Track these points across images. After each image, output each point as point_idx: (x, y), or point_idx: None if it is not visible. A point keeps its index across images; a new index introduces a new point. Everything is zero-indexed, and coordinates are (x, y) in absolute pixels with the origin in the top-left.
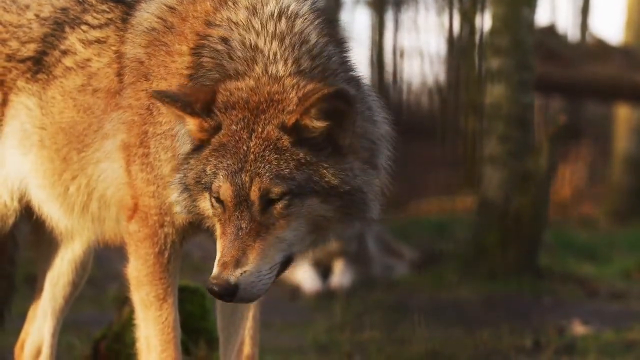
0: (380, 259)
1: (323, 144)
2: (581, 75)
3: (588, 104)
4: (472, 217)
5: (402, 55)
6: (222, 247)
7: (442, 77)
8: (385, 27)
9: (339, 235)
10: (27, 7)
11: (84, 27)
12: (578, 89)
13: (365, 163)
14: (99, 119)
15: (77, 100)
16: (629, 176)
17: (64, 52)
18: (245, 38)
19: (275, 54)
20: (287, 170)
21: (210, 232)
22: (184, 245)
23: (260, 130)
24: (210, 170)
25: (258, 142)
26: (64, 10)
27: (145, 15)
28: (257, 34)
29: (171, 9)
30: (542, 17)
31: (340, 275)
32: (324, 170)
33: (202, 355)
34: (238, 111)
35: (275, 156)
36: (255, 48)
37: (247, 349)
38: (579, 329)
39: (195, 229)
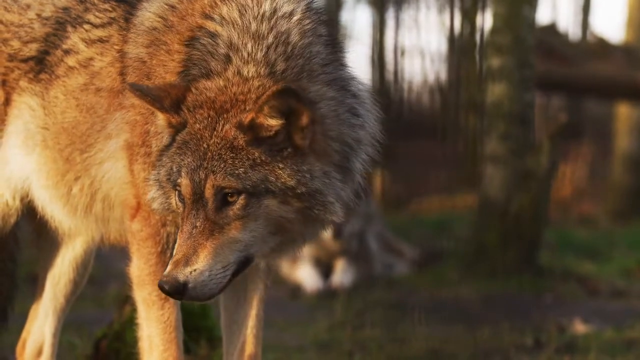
0: (381, 258)
1: (282, 144)
2: (582, 74)
3: (589, 102)
4: (473, 215)
5: (403, 53)
6: (177, 245)
7: (443, 75)
8: (386, 26)
9: (308, 238)
10: (29, 6)
11: (86, 26)
12: (579, 88)
13: (335, 166)
14: (102, 119)
15: (79, 99)
16: (629, 175)
17: (67, 52)
18: (230, 36)
19: (249, 55)
20: (242, 169)
21: None
22: None
23: (220, 129)
24: (175, 168)
25: (216, 140)
26: (65, 9)
27: (147, 15)
28: (239, 33)
29: (172, 7)
30: (543, 16)
31: (341, 273)
32: (280, 171)
33: (203, 354)
34: (204, 110)
35: (231, 155)
36: (234, 47)
37: (250, 347)
38: (579, 327)
39: None
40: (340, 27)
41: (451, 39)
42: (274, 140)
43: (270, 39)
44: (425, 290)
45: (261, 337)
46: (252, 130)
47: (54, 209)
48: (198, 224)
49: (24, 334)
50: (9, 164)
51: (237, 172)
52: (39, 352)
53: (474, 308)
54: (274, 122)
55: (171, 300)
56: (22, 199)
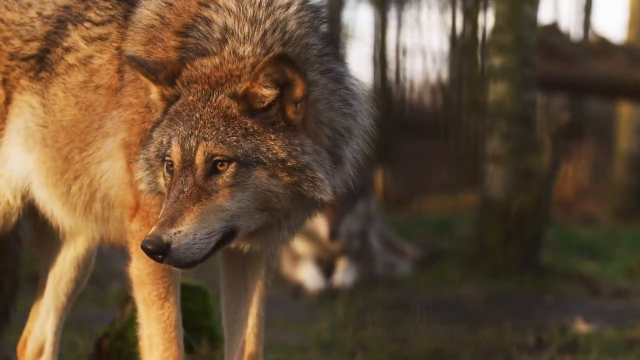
0: (383, 257)
1: (275, 117)
2: (584, 73)
3: (590, 102)
4: (475, 215)
5: (404, 53)
6: (163, 209)
7: (444, 75)
8: (388, 25)
9: (295, 222)
10: (30, 5)
11: (86, 24)
12: (580, 87)
13: (325, 150)
14: (100, 117)
15: (78, 97)
16: (631, 174)
17: (67, 49)
18: (225, 21)
19: (245, 36)
20: (234, 138)
21: None
22: None
23: (213, 99)
24: (165, 140)
25: (209, 110)
26: (66, 7)
27: (145, 12)
28: (235, 19)
29: (169, 4)
30: (544, 15)
31: (343, 273)
32: (272, 142)
33: (205, 354)
34: (199, 85)
35: (224, 123)
36: (230, 31)
37: (251, 346)
38: (581, 327)
39: None
40: (341, 26)
41: (453, 38)
42: (267, 113)
43: (268, 24)
44: (427, 289)
45: (262, 336)
46: (245, 100)
47: (53, 207)
48: (186, 189)
49: (25, 333)
50: (10, 162)
51: (229, 139)
52: (40, 351)
53: (475, 308)
54: (267, 92)
55: (171, 299)
56: (23, 198)
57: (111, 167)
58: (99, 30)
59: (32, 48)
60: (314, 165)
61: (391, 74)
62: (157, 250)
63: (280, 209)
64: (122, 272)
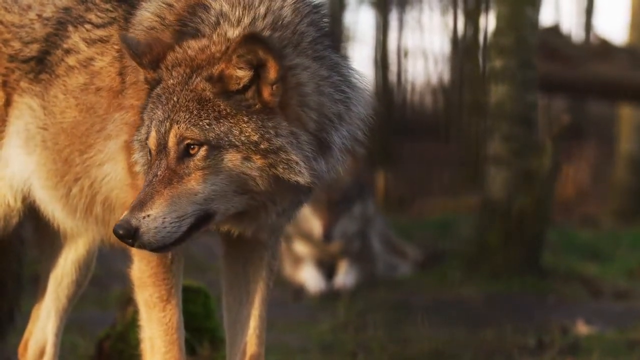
0: (384, 259)
1: (251, 100)
2: (585, 75)
3: (592, 103)
4: (476, 216)
5: (406, 55)
6: (137, 194)
7: (446, 76)
8: (390, 27)
9: (279, 205)
10: (29, 7)
11: (87, 26)
12: (582, 89)
13: (310, 134)
14: (102, 119)
15: (79, 99)
16: (632, 176)
17: (67, 51)
18: (222, 7)
19: (237, 19)
20: (207, 121)
21: (213, 232)
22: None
23: (191, 82)
24: (147, 125)
25: (186, 93)
26: (66, 9)
27: (146, 14)
28: (232, 4)
29: (169, 5)
30: (546, 17)
31: (344, 274)
32: (244, 125)
33: (206, 355)
34: (181, 68)
35: (197, 106)
36: (224, 15)
37: (252, 347)
38: (582, 328)
39: None
40: (343, 28)
41: (454, 40)
42: (244, 95)
43: (261, 10)
44: (428, 290)
45: (264, 338)
46: (221, 82)
47: (54, 209)
48: (159, 172)
49: (26, 335)
50: (10, 164)
51: (200, 123)
52: (42, 353)
53: (476, 309)
54: (242, 74)
55: (172, 301)
56: (23, 200)
57: (113, 169)
58: (99, 33)
59: (32, 50)
60: (288, 147)
61: (393, 76)
62: (127, 235)
63: (260, 192)
64: (123, 274)
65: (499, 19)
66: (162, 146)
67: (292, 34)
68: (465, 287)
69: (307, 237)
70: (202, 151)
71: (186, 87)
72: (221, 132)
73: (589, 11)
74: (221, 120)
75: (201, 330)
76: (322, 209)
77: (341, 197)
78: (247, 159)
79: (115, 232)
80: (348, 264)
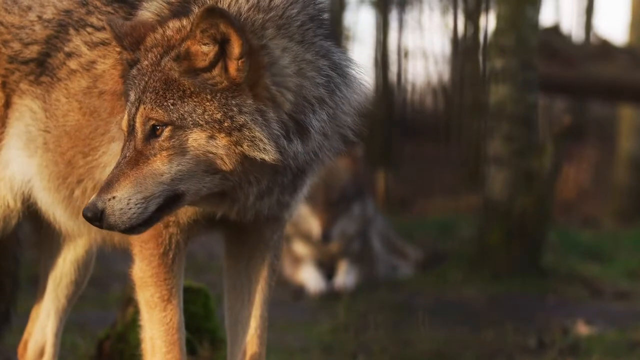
0: (384, 259)
1: (218, 77)
2: (585, 76)
3: (592, 104)
4: (477, 216)
5: (406, 55)
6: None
7: (446, 77)
8: (390, 27)
9: (255, 185)
10: (30, 8)
11: (88, 29)
12: (582, 89)
13: (286, 114)
14: (106, 122)
15: (82, 102)
16: (633, 176)
17: (69, 55)
18: None
19: (227, 4)
20: (171, 101)
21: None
22: (189, 246)
23: (162, 63)
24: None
25: (155, 74)
26: (67, 12)
27: (147, 15)
28: None
29: (169, 3)
30: (546, 17)
31: (345, 275)
32: (208, 103)
33: (206, 356)
34: (157, 49)
35: (164, 87)
36: None
37: (253, 347)
38: (583, 329)
39: (200, 228)
40: (343, 28)
41: (454, 40)
42: (211, 73)
43: None
44: (429, 291)
45: (265, 338)
46: (187, 59)
47: (55, 211)
48: (128, 154)
49: (25, 335)
50: (10, 166)
51: (165, 103)
52: (41, 353)
53: (477, 309)
54: (207, 49)
55: (173, 302)
56: (23, 201)
57: None
58: (101, 35)
59: (32, 51)
60: (251, 124)
61: (393, 76)
62: (94, 217)
63: (230, 171)
64: (123, 274)
65: (499, 19)
66: (131, 128)
67: (279, 17)
68: (466, 287)
69: (306, 237)
70: (167, 131)
71: (157, 67)
72: (185, 111)
73: (589, 11)
74: (185, 100)
75: (201, 331)
76: (321, 209)
77: (339, 197)
78: (212, 137)
79: (84, 215)
80: (348, 264)
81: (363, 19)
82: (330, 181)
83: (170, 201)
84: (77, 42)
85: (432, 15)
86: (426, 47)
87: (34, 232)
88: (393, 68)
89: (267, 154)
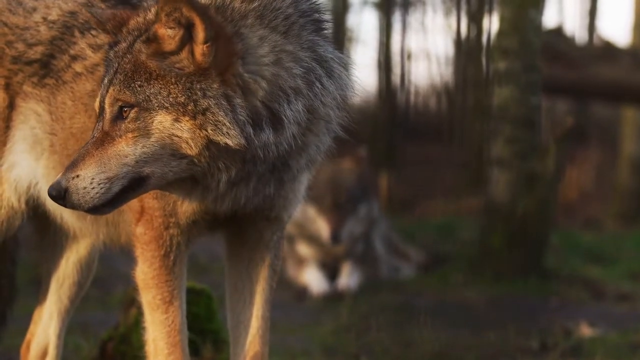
0: (387, 261)
1: (185, 61)
2: (588, 77)
3: (595, 106)
4: (479, 218)
5: (409, 57)
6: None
7: (449, 79)
8: (393, 29)
9: (224, 171)
10: (34, 9)
11: (93, 32)
12: (585, 91)
13: (258, 101)
14: None
15: (88, 105)
16: (635, 178)
17: (74, 58)
18: None
19: None
20: (138, 83)
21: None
22: (190, 247)
23: (135, 46)
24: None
25: (127, 56)
26: (72, 13)
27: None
28: None
29: None
30: (549, 19)
31: (347, 277)
32: (172, 86)
33: (209, 357)
34: (135, 32)
35: (133, 68)
36: None
37: (255, 346)
38: (585, 330)
39: (200, 229)
40: (346, 30)
41: (458, 42)
42: (178, 56)
43: None
44: (431, 293)
45: (268, 338)
46: (155, 42)
47: (63, 212)
48: (96, 134)
49: (28, 336)
50: (16, 168)
51: (132, 85)
52: (44, 354)
53: (479, 311)
54: (172, 33)
55: (175, 303)
56: (27, 203)
57: None
58: (105, 38)
59: (36, 52)
60: (215, 108)
61: (396, 78)
62: (58, 195)
63: (196, 155)
64: (126, 275)
65: (502, 21)
66: (101, 109)
67: (263, 7)
68: (468, 289)
69: (312, 239)
70: (133, 113)
71: (130, 50)
72: (151, 93)
73: (592, 13)
74: (152, 82)
75: (204, 332)
76: (328, 211)
77: (347, 198)
78: (176, 120)
79: (48, 193)
80: (351, 265)
81: (366, 20)
82: (336, 182)
83: (135, 183)
84: (82, 44)
85: (435, 17)
86: (429, 49)
87: (36, 234)
88: (396, 70)
89: (231, 138)
